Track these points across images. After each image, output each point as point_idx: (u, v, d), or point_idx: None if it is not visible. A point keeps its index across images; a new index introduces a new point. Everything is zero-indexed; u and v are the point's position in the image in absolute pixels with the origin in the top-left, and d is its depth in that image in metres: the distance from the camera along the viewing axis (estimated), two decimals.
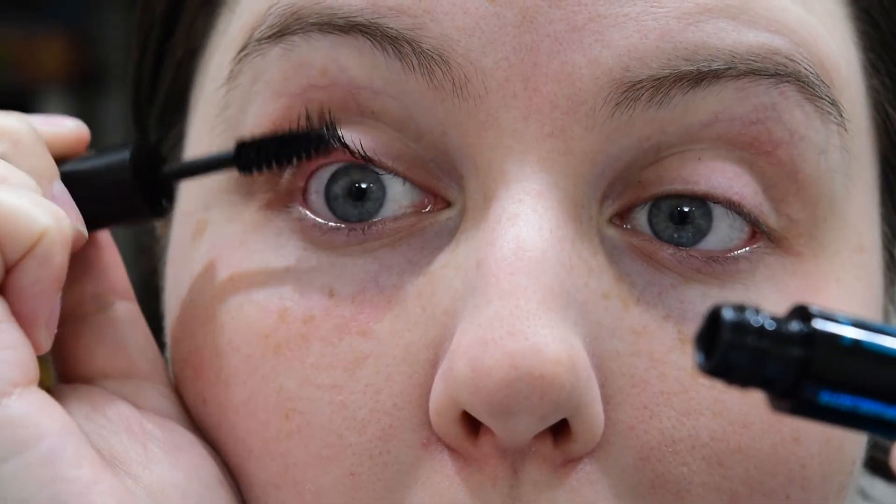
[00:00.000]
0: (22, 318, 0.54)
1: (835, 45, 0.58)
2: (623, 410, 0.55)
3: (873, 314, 0.60)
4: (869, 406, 0.45)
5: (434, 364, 0.55)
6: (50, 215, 0.54)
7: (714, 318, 0.45)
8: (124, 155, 0.59)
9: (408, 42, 0.55)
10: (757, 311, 0.44)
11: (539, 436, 0.53)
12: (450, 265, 0.55)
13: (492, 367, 0.51)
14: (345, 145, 0.56)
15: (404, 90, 0.56)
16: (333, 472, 0.55)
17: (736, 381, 0.45)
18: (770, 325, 0.44)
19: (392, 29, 0.55)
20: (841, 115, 0.58)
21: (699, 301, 0.56)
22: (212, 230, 0.60)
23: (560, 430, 0.54)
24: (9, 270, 0.54)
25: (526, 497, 0.54)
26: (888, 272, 0.63)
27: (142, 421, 0.58)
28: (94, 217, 0.58)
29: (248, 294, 0.57)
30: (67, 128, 0.60)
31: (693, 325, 0.55)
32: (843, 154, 0.58)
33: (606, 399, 0.54)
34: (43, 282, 0.54)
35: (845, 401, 0.45)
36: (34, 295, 0.54)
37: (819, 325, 0.45)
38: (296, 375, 0.56)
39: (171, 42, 0.67)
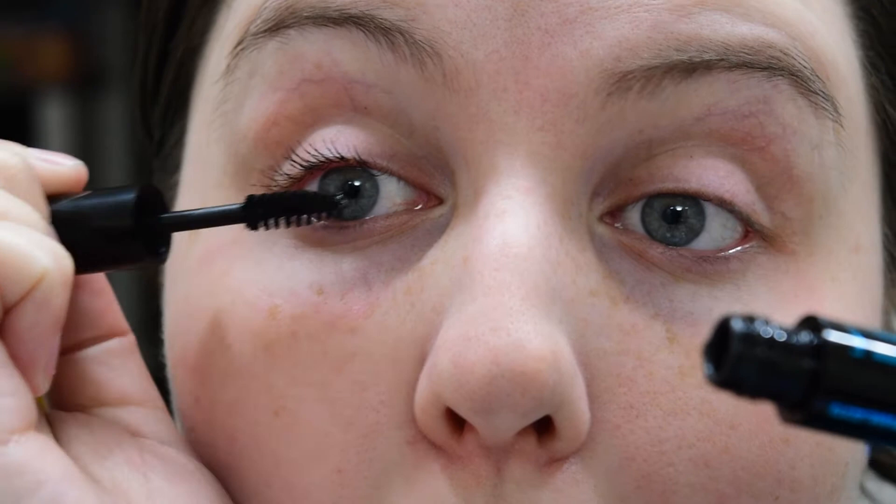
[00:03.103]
0: (20, 362, 0.53)
1: (832, 42, 0.58)
2: (609, 409, 0.54)
3: (870, 315, 0.60)
4: (880, 418, 0.44)
5: (421, 361, 0.54)
6: (50, 256, 0.53)
7: (723, 328, 0.44)
8: (127, 198, 0.56)
9: (400, 33, 0.55)
10: (766, 322, 0.44)
11: (523, 433, 0.53)
12: (439, 261, 0.55)
13: (474, 363, 0.51)
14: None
15: (396, 82, 0.56)
16: (321, 469, 0.55)
17: (746, 394, 0.44)
18: (780, 336, 0.44)
19: (385, 20, 0.56)
20: (837, 111, 0.57)
21: (689, 300, 0.56)
22: (207, 229, 0.60)
23: (545, 429, 0.53)
24: (7, 313, 0.53)
25: (509, 496, 0.53)
26: (889, 273, 0.63)
27: (141, 449, 0.57)
28: (90, 260, 0.56)
29: (240, 292, 0.57)
30: (66, 166, 0.58)
31: (682, 325, 0.55)
32: (838, 150, 0.58)
33: (593, 398, 0.54)
34: (42, 325, 0.53)
35: (856, 413, 0.44)
36: (33, 338, 0.53)
37: (829, 336, 0.44)
38: (285, 373, 0.56)
39: (173, 41, 0.66)
